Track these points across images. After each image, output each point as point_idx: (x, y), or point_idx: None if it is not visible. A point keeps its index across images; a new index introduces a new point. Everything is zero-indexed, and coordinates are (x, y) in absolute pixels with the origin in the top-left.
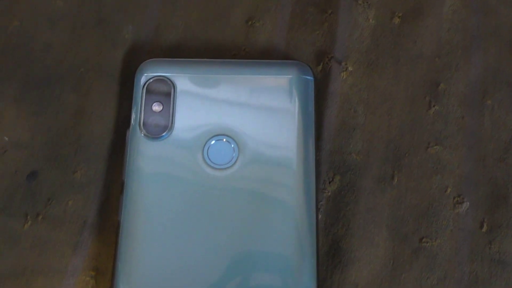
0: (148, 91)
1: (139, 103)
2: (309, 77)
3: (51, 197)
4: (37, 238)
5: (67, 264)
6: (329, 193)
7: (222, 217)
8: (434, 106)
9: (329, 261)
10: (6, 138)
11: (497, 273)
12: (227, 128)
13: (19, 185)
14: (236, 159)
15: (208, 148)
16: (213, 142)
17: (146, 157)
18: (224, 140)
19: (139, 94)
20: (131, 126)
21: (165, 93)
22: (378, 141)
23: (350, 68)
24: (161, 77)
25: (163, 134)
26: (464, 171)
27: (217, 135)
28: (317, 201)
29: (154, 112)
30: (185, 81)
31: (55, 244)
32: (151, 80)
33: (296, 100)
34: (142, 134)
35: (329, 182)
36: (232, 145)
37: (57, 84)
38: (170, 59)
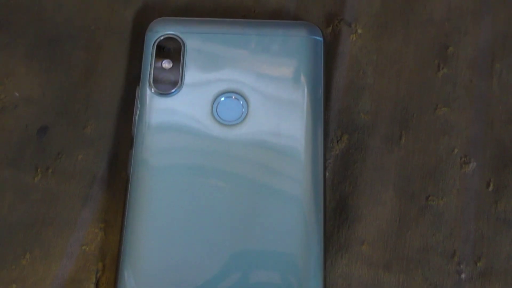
0: (158, 49)
1: (149, 61)
2: (318, 38)
3: (61, 152)
4: (47, 191)
5: (76, 216)
6: (337, 152)
7: (230, 171)
8: (442, 69)
9: (336, 217)
10: (17, 94)
11: (502, 232)
12: (236, 86)
13: (30, 140)
14: (245, 116)
15: (217, 105)
16: (222, 99)
17: (155, 113)
18: (233, 97)
19: (149, 52)
20: (140, 83)
21: (174, 51)
22: (386, 102)
23: (359, 31)
24: (171, 35)
25: (173, 90)
26: (471, 132)
27: (226, 92)
28: (325, 158)
29: (164, 69)
30: (194, 39)
31: (65, 197)
32: (161, 38)
33: (305, 60)
34: (152, 91)
35: (337, 141)
36: (241, 102)
37: (68, 42)
38: (180, 17)
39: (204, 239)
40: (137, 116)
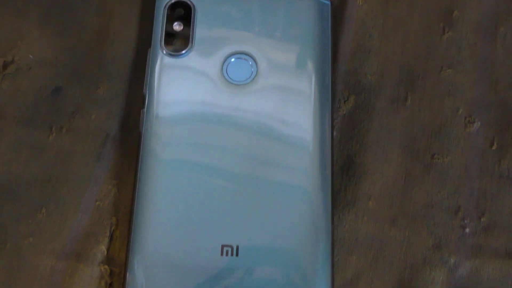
0: (169, 12)
1: (160, 23)
2: (325, 1)
3: (75, 111)
4: (61, 149)
5: (90, 173)
6: (344, 112)
7: (239, 129)
8: (448, 32)
9: (344, 175)
10: (31, 56)
11: (506, 188)
12: (245, 47)
13: (44, 100)
14: (255, 76)
15: (227, 65)
16: (232, 59)
17: (166, 73)
18: (243, 58)
19: (160, 15)
20: (152, 45)
21: (185, 13)
22: (392, 64)
23: None
24: None
25: (183, 52)
26: (475, 94)
27: (236, 53)
28: (332, 117)
29: (175, 31)
30: (204, 2)
31: (79, 154)
32: (172, 1)
33: (313, 22)
34: (163, 52)
35: (344, 102)
36: (250, 63)
37: (80, 7)
38: None
39: (215, 195)
40: (148, 77)
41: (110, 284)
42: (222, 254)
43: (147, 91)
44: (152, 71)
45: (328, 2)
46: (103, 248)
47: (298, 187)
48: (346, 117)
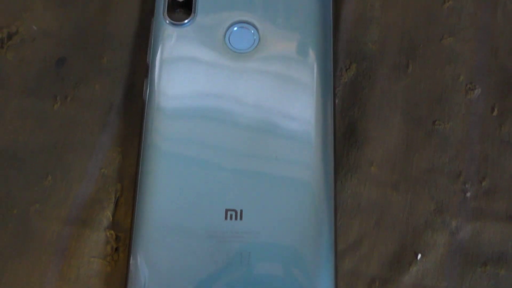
0: None
1: None
2: None
3: (79, 81)
4: (66, 118)
5: (95, 141)
6: (346, 80)
7: (241, 97)
8: (448, 1)
9: (346, 141)
10: (35, 27)
11: (506, 153)
12: (248, 16)
13: (48, 70)
14: (257, 45)
15: (229, 34)
16: (235, 28)
17: (170, 42)
18: (245, 27)
19: None
20: (155, 15)
21: None
22: (393, 33)
23: None
24: None
25: (186, 21)
26: (476, 61)
27: (238, 22)
28: (335, 85)
29: (177, 1)
30: None
31: (83, 123)
32: None
33: None
34: (166, 22)
35: (346, 70)
36: (252, 31)
37: None
38: None
39: (219, 161)
40: (152, 46)
41: (116, 249)
42: (226, 218)
43: (151, 61)
44: (155, 40)
45: None
46: (109, 213)
47: (301, 154)
48: (347, 85)
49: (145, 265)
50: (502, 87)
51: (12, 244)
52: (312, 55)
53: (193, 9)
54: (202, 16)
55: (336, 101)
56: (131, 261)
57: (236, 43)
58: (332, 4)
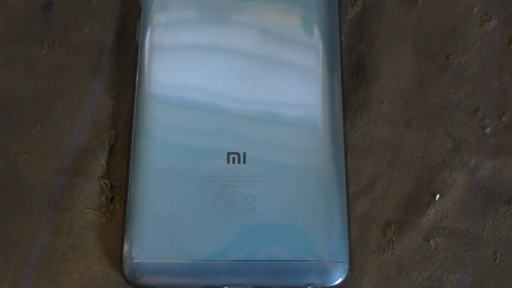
0: None
1: None
2: None
3: (68, 25)
4: (54, 64)
5: (86, 87)
6: (352, 16)
7: (244, 34)
8: None
9: (354, 78)
10: None
11: None
12: None
13: (35, 15)
14: None
15: None
16: None
17: None
18: None
19: None
20: None
21: None
22: None
23: None
24: None
25: None
26: None
27: None
28: (340, 19)
29: None
30: None
31: (73, 69)
32: None
33: None
34: None
35: (352, 5)
36: None
37: None
38: None
39: (220, 104)
40: None
41: (111, 199)
42: (228, 161)
43: (143, 0)
44: None
45: None
46: (102, 162)
47: (306, 93)
48: (354, 21)
49: (143, 214)
50: None
51: (1, 196)
52: None
53: None
54: None
55: (343, 38)
56: (128, 210)
57: None
58: None
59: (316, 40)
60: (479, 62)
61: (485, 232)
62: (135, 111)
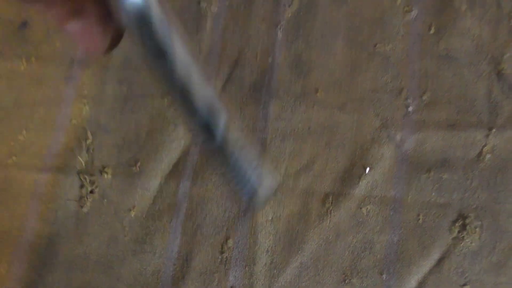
0: None
1: None
2: None
3: (41, 41)
4: (33, 76)
5: (62, 94)
6: (289, 15)
7: None
8: None
9: (292, 72)
10: None
11: (445, 67)
12: None
13: (13, 33)
14: None
15: None
16: None
17: None
18: None
19: None
20: None
21: None
22: None
23: None
24: None
25: None
26: None
27: None
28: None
29: None
30: None
31: (49, 79)
32: None
33: None
34: None
35: (289, 5)
36: None
37: None
38: None
39: None
40: None
41: (91, 191)
42: None
43: None
44: None
45: None
46: (81, 160)
47: None
48: (291, 20)
49: None
50: (437, 6)
51: None
52: None
53: None
54: None
55: (281, 35)
56: None
57: None
58: None
59: None
60: (403, 48)
61: (409, 197)
62: None
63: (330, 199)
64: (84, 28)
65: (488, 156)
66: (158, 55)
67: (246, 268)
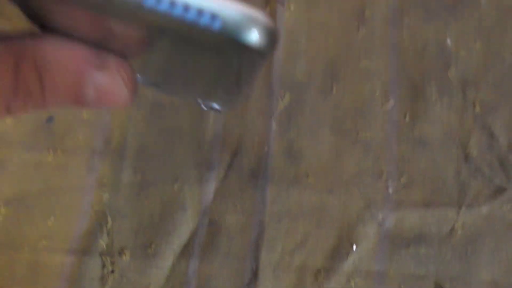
0: None
1: None
2: None
3: (65, 133)
4: (59, 166)
5: (84, 183)
6: (282, 107)
7: None
8: (362, 29)
9: (286, 159)
10: None
11: (419, 151)
12: None
13: (41, 127)
14: None
15: None
16: None
17: None
18: None
19: None
20: None
21: None
22: (318, 62)
23: (292, 8)
24: None
25: None
26: (388, 76)
27: None
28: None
29: None
30: None
31: (73, 169)
32: None
33: None
34: None
35: (282, 99)
36: None
37: None
38: None
39: None
40: None
41: (112, 271)
42: None
43: None
44: None
45: None
46: (102, 243)
47: None
48: (283, 112)
49: None
50: (410, 96)
51: (26, 274)
52: None
53: None
54: None
55: (275, 125)
56: None
57: None
58: None
59: None
60: (382, 135)
61: (391, 270)
62: None
63: (322, 273)
64: (110, 80)
65: (460, 231)
66: None
67: None
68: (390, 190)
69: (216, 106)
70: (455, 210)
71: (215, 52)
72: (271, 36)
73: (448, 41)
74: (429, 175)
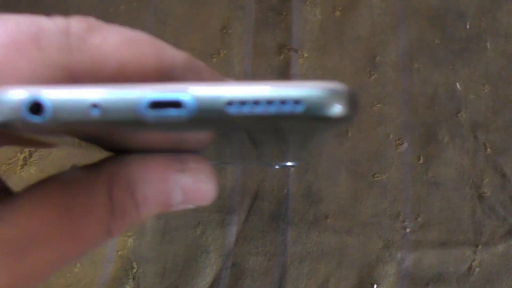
0: None
1: None
2: None
3: None
4: None
5: None
6: None
7: None
8: (373, 74)
9: (305, 201)
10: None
11: (433, 192)
12: None
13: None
14: None
15: None
16: None
17: None
18: None
19: None
20: None
21: None
22: None
23: (305, 55)
24: None
25: None
26: (401, 120)
27: None
28: None
29: None
30: None
31: None
32: None
33: None
34: None
35: None
36: None
37: None
38: None
39: None
40: None
41: None
42: None
43: None
44: None
45: None
46: (128, 287)
47: None
48: None
49: None
50: (423, 138)
51: None
52: None
53: None
54: None
55: (293, 169)
56: None
57: None
58: None
59: None
60: (397, 177)
61: None
62: None
63: None
64: (194, 179)
65: (477, 269)
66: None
67: None
68: (408, 230)
69: (290, 163)
70: (471, 249)
71: (297, 129)
72: (353, 102)
73: (458, 85)
74: (445, 215)
